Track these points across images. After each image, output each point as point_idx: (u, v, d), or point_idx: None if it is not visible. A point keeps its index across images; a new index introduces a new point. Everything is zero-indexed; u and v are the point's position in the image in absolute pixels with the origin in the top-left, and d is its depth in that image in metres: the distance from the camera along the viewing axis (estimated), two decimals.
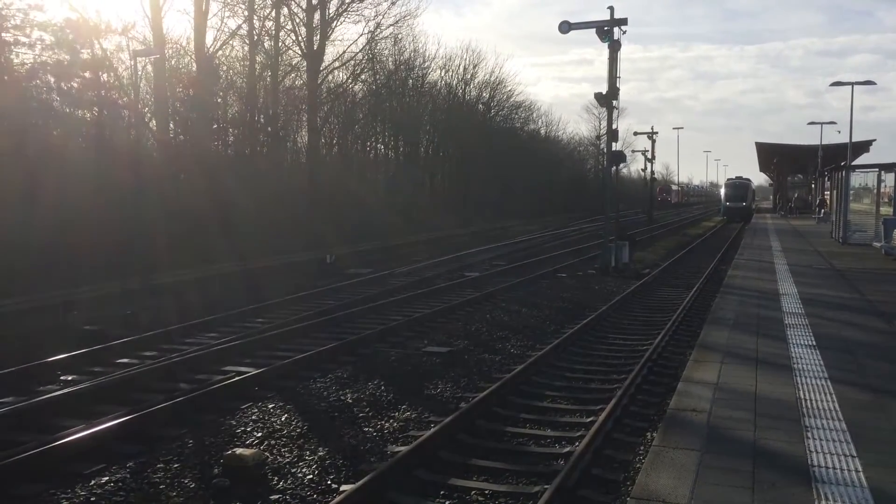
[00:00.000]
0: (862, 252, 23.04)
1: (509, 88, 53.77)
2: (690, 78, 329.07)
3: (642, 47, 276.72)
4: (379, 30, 33.71)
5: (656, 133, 49.88)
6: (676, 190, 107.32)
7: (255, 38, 28.67)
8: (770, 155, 61.97)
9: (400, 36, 38.09)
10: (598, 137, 72.36)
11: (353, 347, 11.43)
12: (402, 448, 7.11)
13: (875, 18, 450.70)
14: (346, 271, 21.98)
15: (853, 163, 34.22)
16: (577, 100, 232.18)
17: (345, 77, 34.03)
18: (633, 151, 60.11)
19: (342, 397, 8.92)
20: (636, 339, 12.38)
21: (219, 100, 28.44)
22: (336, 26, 31.28)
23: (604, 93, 21.61)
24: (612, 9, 20.71)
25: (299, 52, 30.67)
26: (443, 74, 46.89)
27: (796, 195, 51.11)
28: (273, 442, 7.42)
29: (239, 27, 27.92)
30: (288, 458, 7.03)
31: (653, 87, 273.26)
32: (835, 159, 45.27)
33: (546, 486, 6.12)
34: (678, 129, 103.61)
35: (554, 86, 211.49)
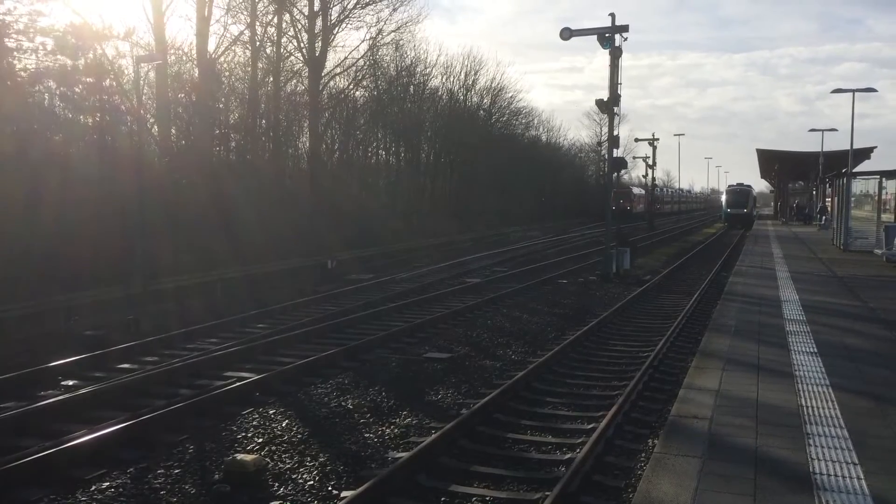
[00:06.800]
0: (863, 259, 23.03)
1: (510, 95, 53.89)
2: (681, 85, 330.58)
3: (631, 55, 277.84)
4: (380, 36, 33.87)
5: (657, 139, 50.00)
6: (640, 194, 69.56)
7: (257, 43, 28.73)
8: (771, 161, 61.99)
9: (401, 42, 38.18)
10: (599, 143, 72.20)
11: (354, 353, 11.44)
12: (403, 454, 7.10)
13: (865, 26, 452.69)
14: (347, 277, 22.00)
15: (854, 170, 34.22)
16: (570, 106, 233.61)
17: (346, 83, 34.12)
18: (634, 158, 60.19)
19: (343, 403, 8.91)
20: (637, 346, 12.37)
21: (221, 105, 28.47)
22: (338, 32, 31.41)
23: (604, 99, 21.66)
24: (613, 15, 20.81)
25: (301, 58, 30.75)
26: (444, 81, 47.01)
27: (821, 204, 47.59)
28: (274, 447, 7.41)
29: (241, 33, 27.98)
30: (289, 463, 7.02)
31: (646, 94, 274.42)
32: (836, 166, 45.26)
33: (547, 493, 6.11)
34: (679, 135, 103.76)
35: (547, 92, 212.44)
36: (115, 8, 42.57)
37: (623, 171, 36.97)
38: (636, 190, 70.36)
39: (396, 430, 8.03)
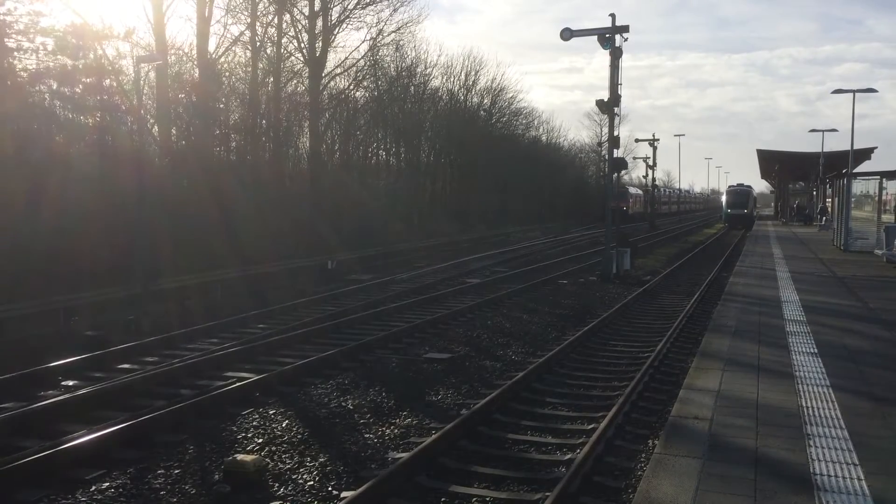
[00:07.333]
0: (863, 259, 23.02)
1: (510, 95, 53.90)
2: (681, 86, 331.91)
3: (631, 55, 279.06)
4: (381, 36, 33.91)
5: (657, 140, 50.06)
6: (637, 195, 68.48)
7: (258, 44, 28.74)
8: (771, 162, 62.00)
9: (402, 42, 38.19)
10: (600, 144, 72.17)
11: (354, 353, 11.43)
12: (403, 454, 7.10)
13: (865, 27, 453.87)
14: (347, 277, 22.00)
15: (854, 170, 34.24)
16: (570, 107, 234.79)
17: (347, 83, 34.15)
18: (635, 158, 60.23)
19: (343, 403, 8.91)
20: (638, 346, 12.36)
21: (221, 106, 28.48)
22: (338, 33, 31.47)
23: (605, 100, 21.68)
24: (613, 16, 20.84)
25: (301, 58, 30.78)
26: (444, 81, 47.03)
27: (821, 205, 47.00)
28: (274, 448, 7.41)
29: (241, 34, 28.01)
30: (289, 464, 7.02)
31: (645, 94, 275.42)
32: (836, 167, 45.25)
33: (547, 494, 6.11)
34: (679, 135, 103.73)
35: (547, 93, 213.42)
36: (116, 8, 42.63)
37: (623, 172, 36.99)
38: (633, 190, 68.83)
39: (396, 431, 8.03)
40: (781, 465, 5.55)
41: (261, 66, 29.40)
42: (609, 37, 20.85)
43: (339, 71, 32.64)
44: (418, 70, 42.68)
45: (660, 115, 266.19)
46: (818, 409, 6.96)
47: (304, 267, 22.75)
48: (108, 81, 22.33)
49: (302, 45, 30.47)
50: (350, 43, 53.18)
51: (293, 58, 31.10)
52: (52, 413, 8.40)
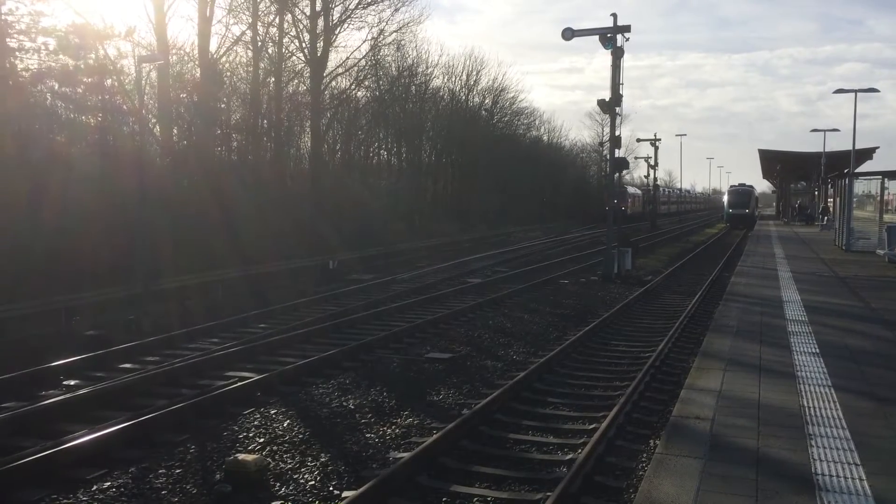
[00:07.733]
0: (865, 259, 22.99)
1: (512, 95, 53.90)
2: (681, 86, 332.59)
3: (631, 55, 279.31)
4: (382, 36, 33.91)
5: (659, 140, 50.06)
6: (636, 194, 68.23)
7: (259, 44, 28.74)
8: (773, 162, 61.96)
9: (403, 42, 38.18)
10: (602, 144, 71.99)
11: (355, 353, 11.43)
12: (405, 454, 7.10)
13: (865, 27, 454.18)
14: (348, 277, 22.00)
15: (856, 170, 34.19)
16: (571, 107, 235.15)
17: (348, 83, 34.15)
18: (636, 158, 60.17)
19: (344, 403, 8.91)
20: (639, 346, 12.35)
21: (222, 105, 28.49)
22: (339, 33, 31.48)
23: (606, 99, 21.66)
24: (615, 16, 20.83)
25: (303, 58, 30.79)
26: (446, 81, 47.02)
27: (823, 205, 47.20)
28: (275, 448, 7.41)
29: (243, 33, 28.01)
30: (290, 463, 7.02)
31: (646, 94, 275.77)
32: (838, 166, 45.24)
33: (549, 494, 6.11)
34: (681, 135, 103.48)
35: (548, 93, 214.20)
36: (117, 8, 42.69)
37: (625, 172, 36.98)
38: (631, 190, 67.28)
39: (398, 431, 8.03)
40: (783, 466, 5.54)
41: (262, 65, 29.41)
42: (610, 37, 20.83)
43: (340, 71, 32.68)
44: (419, 70, 42.74)
45: (660, 115, 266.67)
46: (820, 409, 6.95)
47: (305, 267, 22.75)
48: (109, 81, 22.35)
49: (303, 44, 30.51)
50: (351, 43, 53.23)
51: (294, 58, 31.15)
52: (54, 413, 8.40)
